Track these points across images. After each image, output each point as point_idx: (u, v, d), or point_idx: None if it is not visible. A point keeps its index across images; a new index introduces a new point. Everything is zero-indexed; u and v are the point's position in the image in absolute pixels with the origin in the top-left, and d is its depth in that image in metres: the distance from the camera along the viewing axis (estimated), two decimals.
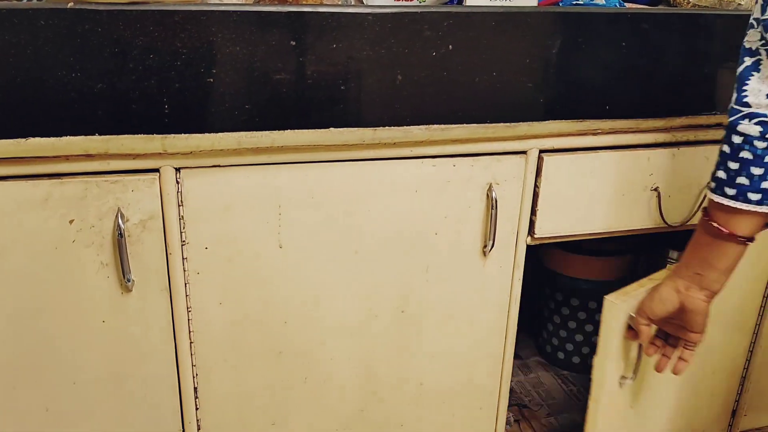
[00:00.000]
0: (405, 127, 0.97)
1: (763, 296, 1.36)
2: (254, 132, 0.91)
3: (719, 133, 1.16)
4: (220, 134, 0.90)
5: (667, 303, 0.90)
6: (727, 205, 0.82)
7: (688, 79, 1.09)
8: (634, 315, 0.96)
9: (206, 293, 1.01)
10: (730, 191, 0.81)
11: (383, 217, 1.04)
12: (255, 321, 1.04)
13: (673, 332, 0.95)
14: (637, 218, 1.17)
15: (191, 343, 1.03)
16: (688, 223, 1.20)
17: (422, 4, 1.02)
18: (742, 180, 0.80)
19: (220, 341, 1.04)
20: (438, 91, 0.96)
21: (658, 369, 0.98)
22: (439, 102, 0.97)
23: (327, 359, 1.11)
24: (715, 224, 0.83)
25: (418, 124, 0.97)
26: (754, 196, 0.80)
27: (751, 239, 0.84)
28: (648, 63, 1.05)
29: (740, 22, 1.06)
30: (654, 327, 0.96)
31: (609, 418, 1.08)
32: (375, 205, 1.03)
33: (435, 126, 0.98)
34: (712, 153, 1.16)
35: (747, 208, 0.80)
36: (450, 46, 0.94)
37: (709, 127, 1.15)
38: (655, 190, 1.15)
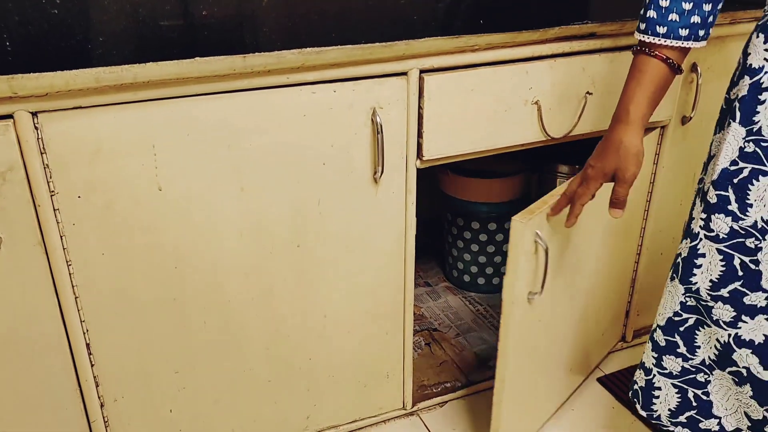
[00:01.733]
0: (277, 52, 0.93)
1: (647, 200, 1.43)
2: (113, 67, 0.85)
3: (593, 44, 1.18)
4: (74, 71, 0.84)
5: (640, 156, 0.94)
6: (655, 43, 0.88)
7: None
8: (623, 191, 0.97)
9: (85, 245, 0.96)
10: (661, 29, 0.87)
11: (267, 150, 1.01)
12: (142, 268, 1.01)
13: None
14: (521, 133, 1.19)
15: (76, 297, 0.98)
16: (571, 134, 1.23)
17: None
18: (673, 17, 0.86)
19: (107, 293, 1.00)
20: (308, 11, 0.93)
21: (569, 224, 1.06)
22: (310, 24, 0.94)
23: (224, 301, 1.08)
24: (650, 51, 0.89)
25: (291, 48, 0.94)
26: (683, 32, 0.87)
27: (680, 69, 0.91)
28: None
29: None
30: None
31: (520, 333, 1.12)
32: (257, 139, 1.00)
33: (308, 49, 0.95)
34: (587, 63, 1.19)
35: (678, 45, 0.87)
36: None
37: (582, 37, 1.17)
38: (536, 103, 1.18)
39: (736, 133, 0.91)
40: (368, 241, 1.16)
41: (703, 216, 0.95)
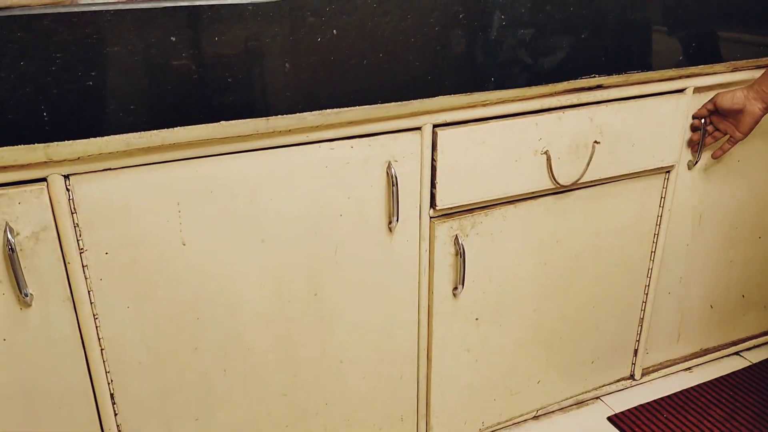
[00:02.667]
0: (298, 114, 0.97)
1: (653, 242, 1.46)
2: (143, 132, 0.89)
3: (600, 95, 1.22)
4: (106, 138, 0.88)
5: (735, 101, 1.27)
6: None
7: (567, 46, 1.14)
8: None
9: (112, 298, 0.99)
10: None
11: (286, 204, 1.05)
12: (166, 320, 1.04)
13: (722, 128, 1.34)
14: (531, 182, 1.22)
15: (102, 350, 1.01)
16: (579, 182, 1.27)
17: None
18: None
19: (132, 344, 1.03)
20: (328, 75, 0.97)
21: (715, 156, 1.40)
22: (330, 86, 0.98)
23: (244, 349, 1.11)
24: None
25: (311, 110, 0.98)
26: None
27: None
28: (523, 33, 1.09)
29: None
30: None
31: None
32: (276, 193, 1.03)
33: (328, 111, 0.99)
34: (595, 113, 1.23)
35: None
36: (335, 31, 0.95)
37: (590, 89, 1.21)
38: (545, 153, 1.21)
39: None
40: (383, 288, 1.19)
41: None
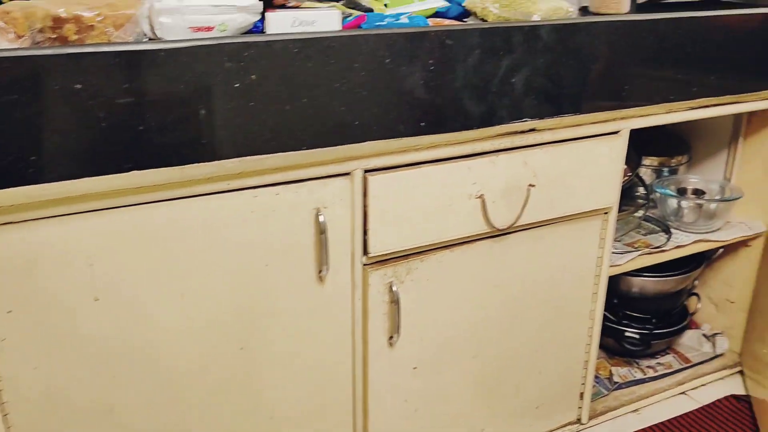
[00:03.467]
0: (216, 162, 0.94)
1: (595, 283, 1.44)
2: (44, 185, 0.84)
3: (534, 138, 1.21)
4: (6, 190, 0.82)
5: None
6: None
7: (496, 90, 1.13)
8: None
9: (16, 360, 0.92)
10: None
11: (208, 255, 1.00)
12: (78, 381, 0.97)
13: None
14: (466, 226, 1.20)
15: (5, 415, 0.94)
16: (516, 225, 1.25)
17: (219, 35, 0.99)
18: None
19: (39, 408, 0.96)
20: (247, 121, 0.94)
21: None
22: (249, 132, 0.94)
23: (167, 407, 1.05)
24: None
25: (230, 158, 0.94)
26: None
27: None
28: (457, 78, 1.08)
29: (538, 31, 1.12)
30: None
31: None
32: (197, 243, 0.99)
33: (249, 158, 0.96)
34: (529, 157, 1.22)
35: None
36: (253, 76, 0.92)
37: (523, 132, 1.21)
38: (480, 197, 1.19)
39: None
40: (315, 339, 1.14)
41: None
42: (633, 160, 1.62)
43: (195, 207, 0.97)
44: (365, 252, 1.13)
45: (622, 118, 1.31)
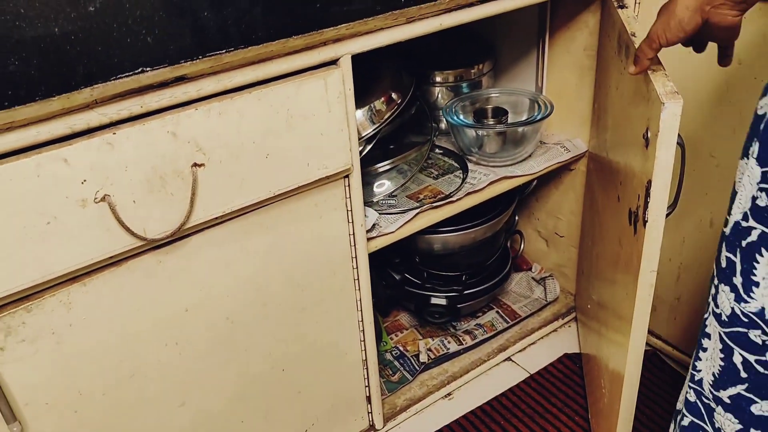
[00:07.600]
0: None
1: (353, 267, 1.06)
2: None
3: (184, 91, 0.78)
4: None
5: (688, 26, 0.73)
6: None
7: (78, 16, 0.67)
8: (641, 45, 0.81)
9: None
10: None
11: None
12: None
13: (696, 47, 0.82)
14: (93, 246, 0.77)
15: None
16: (186, 227, 0.83)
17: None
18: None
19: None
20: None
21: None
22: None
23: None
24: None
25: None
26: None
27: None
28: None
29: None
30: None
31: None
32: None
33: None
34: (180, 123, 0.78)
35: None
36: None
37: (163, 85, 0.76)
38: (104, 199, 0.76)
39: (751, 174, 0.63)
40: None
41: (715, 282, 0.69)
42: (403, 82, 1.21)
43: None
44: None
45: (336, 40, 0.88)
